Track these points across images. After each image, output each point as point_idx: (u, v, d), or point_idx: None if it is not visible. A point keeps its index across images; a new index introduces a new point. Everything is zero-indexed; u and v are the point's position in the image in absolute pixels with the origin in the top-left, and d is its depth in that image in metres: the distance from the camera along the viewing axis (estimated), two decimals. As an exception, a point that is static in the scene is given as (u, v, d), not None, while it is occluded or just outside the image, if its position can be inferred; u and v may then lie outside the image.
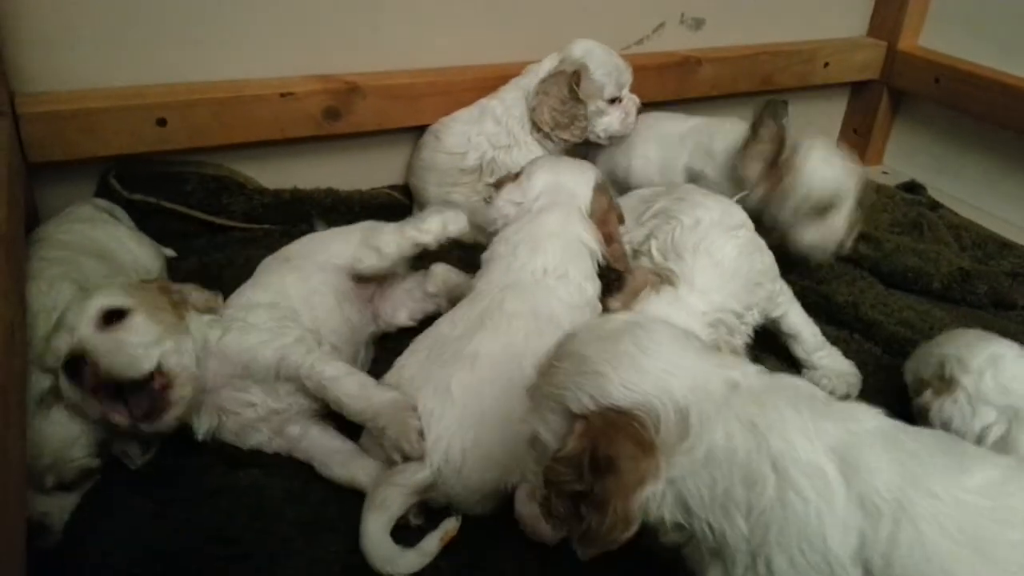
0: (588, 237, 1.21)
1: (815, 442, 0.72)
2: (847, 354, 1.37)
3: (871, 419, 0.76)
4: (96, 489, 1.05)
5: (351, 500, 1.02)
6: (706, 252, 1.20)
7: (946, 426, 1.10)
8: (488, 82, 1.70)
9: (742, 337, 1.25)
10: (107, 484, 1.06)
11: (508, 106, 1.63)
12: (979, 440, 1.07)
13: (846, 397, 1.28)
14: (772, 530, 0.70)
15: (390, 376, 1.09)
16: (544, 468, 0.77)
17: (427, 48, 1.72)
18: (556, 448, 0.76)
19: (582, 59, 1.60)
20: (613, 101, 1.64)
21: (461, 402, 0.98)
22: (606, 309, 1.18)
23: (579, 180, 1.25)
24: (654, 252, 1.24)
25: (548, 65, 1.64)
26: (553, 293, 1.14)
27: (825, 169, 1.46)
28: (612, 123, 1.65)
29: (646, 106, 1.94)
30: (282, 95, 1.55)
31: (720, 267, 1.19)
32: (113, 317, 1.01)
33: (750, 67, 2.05)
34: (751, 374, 0.78)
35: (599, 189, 1.26)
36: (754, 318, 1.26)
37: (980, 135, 2.03)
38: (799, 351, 1.34)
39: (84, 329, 0.99)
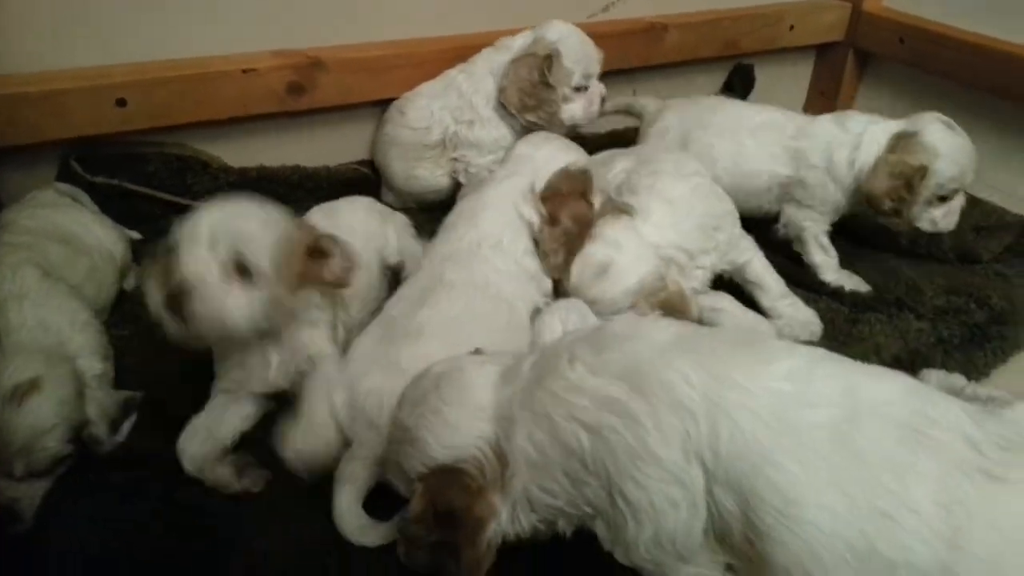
0: (527, 211, 1.19)
1: (597, 379, 0.77)
2: (819, 312, 1.39)
3: (661, 332, 0.81)
4: (66, 473, 1.04)
5: (326, 476, 1.02)
6: (659, 192, 1.27)
7: None
8: (456, 53, 1.67)
9: (696, 281, 1.30)
10: (77, 467, 1.05)
11: (475, 80, 1.60)
12: None
13: (808, 344, 1.31)
14: (610, 469, 0.76)
15: (349, 353, 1.09)
16: (399, 527, 0.88)
17: (392, 19, 1.70)
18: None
19: (556, 44, 1.56)
20: (579, 89, 1.60)
21: (409, 375, 0.96)
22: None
23: (552, 157, 1.25)
24: (612, 192, 1.30)
25: (521, 43, 1.60)
26: (489, 263, 1.15)
27: (960, 155, 1.40)
28: (576, 111, 1.61)
29: (615, 73, 1.95)
30: (244, 71, 1.53)
31: (673, 205, 1.26)
32: None
33: (715, 32, 2.05)
34: (525, 369, 0.83)
35: (569, 172, 1.24)
36: (711, 262, 1.32)
37: (945, 94, 2.04)
38: (763, 299, 1.38)
39: None
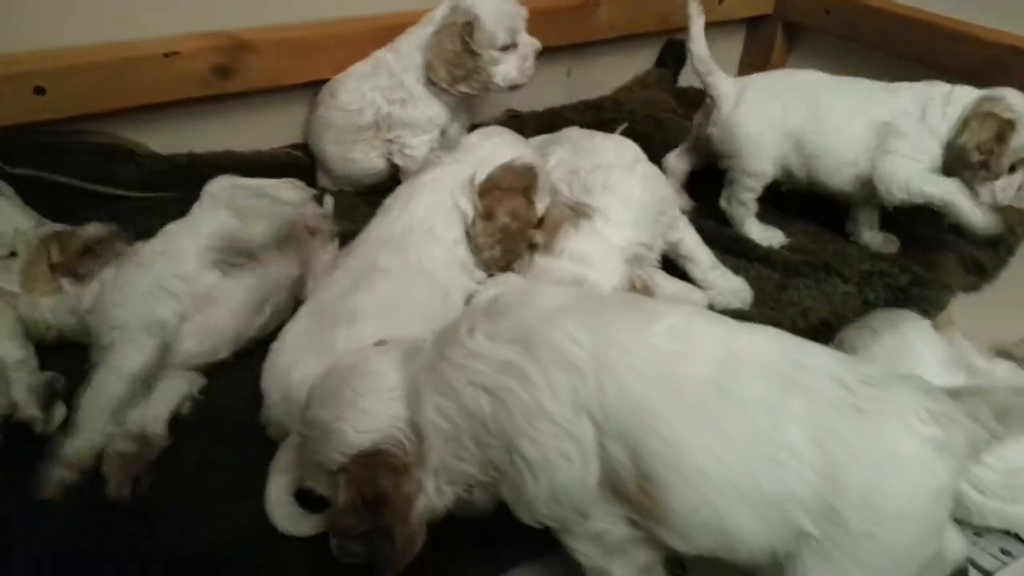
0: (463, 201, 1.18)
1: (494, 344, 0.80)
2: (747, 280, 1.44)
3: (550, 298, 0.85)
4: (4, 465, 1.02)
5: (266, 467, 1.02)
6: (613, 190, 1.26)
7: None
8: (387, 32, 1.65)
9: (651, 265, 1.33)
10: (16, 460, 1.03)
11: (403, 58, 1.58)
12: None
13: (739, 311, 1.38)
14: (508, 429, 0.78)
15: (276, 344, 1.08)
16: (327, 523, 0.89)
17: (321, -1, 1.67)
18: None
19: (472, 7, 1.53)
20: (507, 48, 1.58)
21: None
22: (531, 245, 1.21)
23: (498, 150, 1.22)
24: (564, 192, 1.28)
25: (442, 13, 1.57)
26: (423, 249, 1.14)
27: None
28: (510, 71, 1.59)
29: (549, 50, 1.95)
30: (166, 55, 1.49)
31: (629, 202, 1.26)
32: None
33: (647, 7, 2.07)
34: (428, 344, 0.85)
35: (512, 167, 1.20)
36: (660, 246, 1.34)
37: (871, 63, 2.08)
38: (695, 271, 1.41)
39: None
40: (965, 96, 1.46)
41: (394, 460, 0.81)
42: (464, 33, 1.53)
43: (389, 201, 1.23)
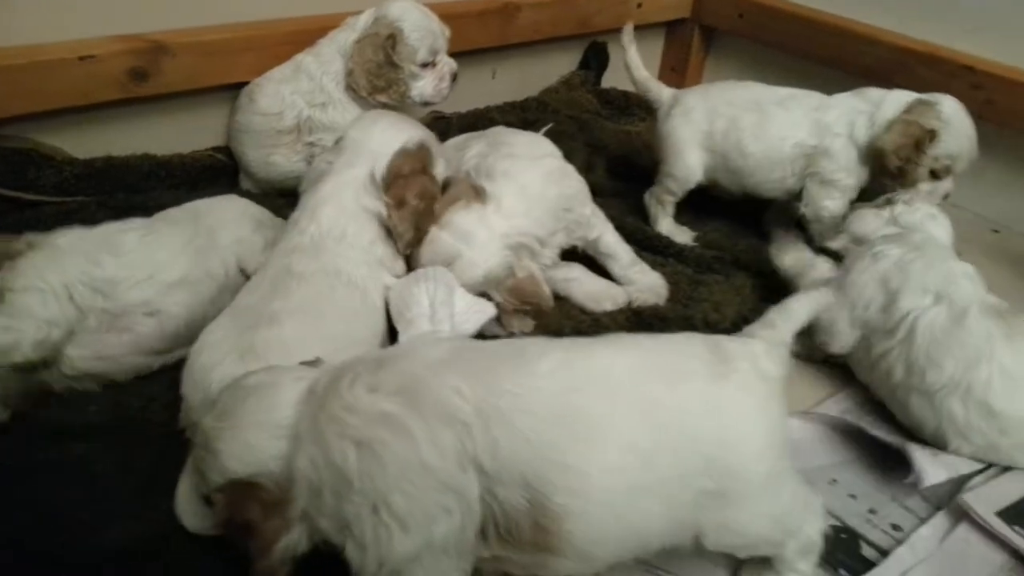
0: (369, 201, 1.20)
1: (373, 396, 0.80)
2: (662, 275, 1.49)
3: (435, 350, 0.87)
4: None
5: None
6: (513, 178, 1.30)
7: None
8: (306, 35, 1.65)
9: (547, 259, 1.37)
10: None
11: (324, 62, 1.58)
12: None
13: (656, 306, 1.43)
14: (377, 483, 0.77)
15: (196, 346, 1.08)
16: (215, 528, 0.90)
17: (239, 1, 1.66)
18: None
19: (397, 21, 1.54)
20: (427, 65, 1.60)
21: (265, 360, 0.98)
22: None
23: (386, 140, 1.24)
24: (471, 174, 1.33)
25: (364, 21, 1.58)
26: (337, 253, 1.16)
27: (965, 137, 1.47)
28: (425, 88, 1.60)
29: (472, 52, 1.99)
30: (81, 58, 1.47)
31: (526, 192, 1.30)
32: None
33: (567, 11, 2.12)
34: (320, 389, 0.83)
35: (407, 152, 1.23)
36: (560, 241, 1.38)
37: (783, 65, 2.18)
38: (615, 268, 1.46)
39: None
40: (902, 98, 1.49)
41: (266, 495, 0.81)
42: (387, 45, 1.53)
43: (295, 215, 1.23)
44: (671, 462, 0.81)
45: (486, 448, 0.78)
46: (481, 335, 1.22)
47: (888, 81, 1.85)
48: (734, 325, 1.38)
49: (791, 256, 1.43)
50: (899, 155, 1.44)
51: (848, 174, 1.52)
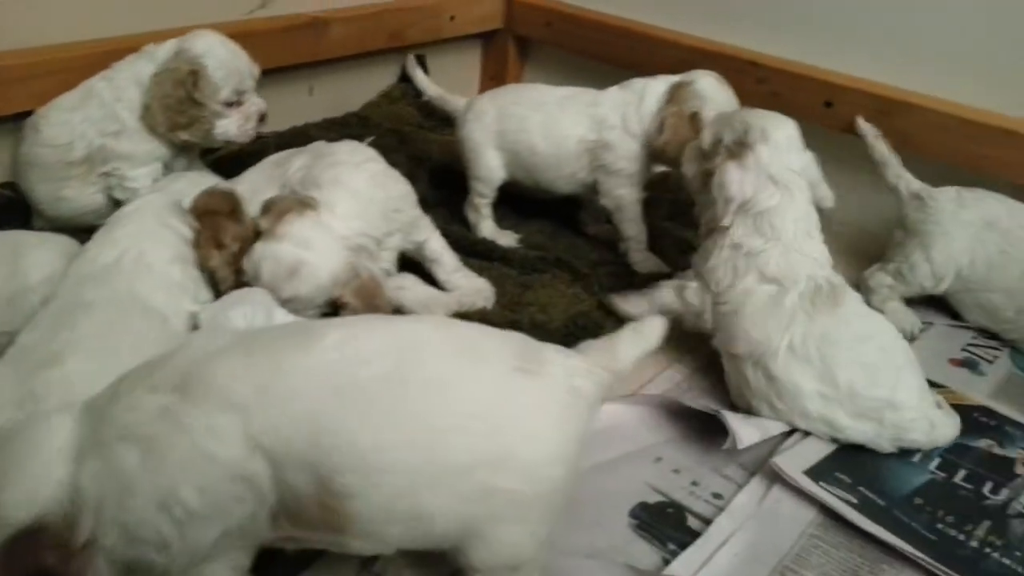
0: (174, 222, 1.17)
1: (152, 395, 0.76)
2: (489, 278, 1.52)
3: (215, 339, 0.83)
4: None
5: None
6: (342, 183, 1.31)
7: (721, 188, 1.27)
8: (101, 59, 1.53)
9: (385, 263, 1.39)
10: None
11: (117, 88, 1.48)
12: (747, 203, 1.25)
13: (483, 308, 1.46)
14: (161, 480, 0.74)
15: None
16: None
17: (25, 23, 1.54)
18: None
19: (201, 58, 1.46)
20: (232, 104, 1.51)
21: (47, 404, 0.91)
22: (257, 233, 1.22)
23: (194, 181, 1.24)
24: (296, 187, 1.33)
25: (166, 52, 1.48)
26: (134, 277, 1.11)
27: (729, 101, 1.55)
28: (229, 127, 1.52)
29: (284, 69, 1.95)
30: None
31: (356, 196, 1.32)
32: None
33: (379, 25, 2.11)
34: (99, 400, 0.79)
35: (218, 192, 1.23)
36: (396, 243, 1.40)
37: (591, 70, 2.26)
38: (440, 273, 1.49)
39: None
40: (657, 90, 1.58)
41: (58, 536, 0.74)
42: (188, 81, 1.45)
43: (89, 243, 1.18)
44: (460, 446, 0.78)
45: (266, 431, 0.75)
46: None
47: (686, 80, 1.97)
48: (563, 325, 1.42)
49: (632, 304, 1.45)
50: (675, 150, 1.50)
51: (630, 162, 1.59)
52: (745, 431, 1.18)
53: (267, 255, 1.20)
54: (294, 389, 0.77)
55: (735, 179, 1.26)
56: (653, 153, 1.57)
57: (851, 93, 1.77)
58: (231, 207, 1.23)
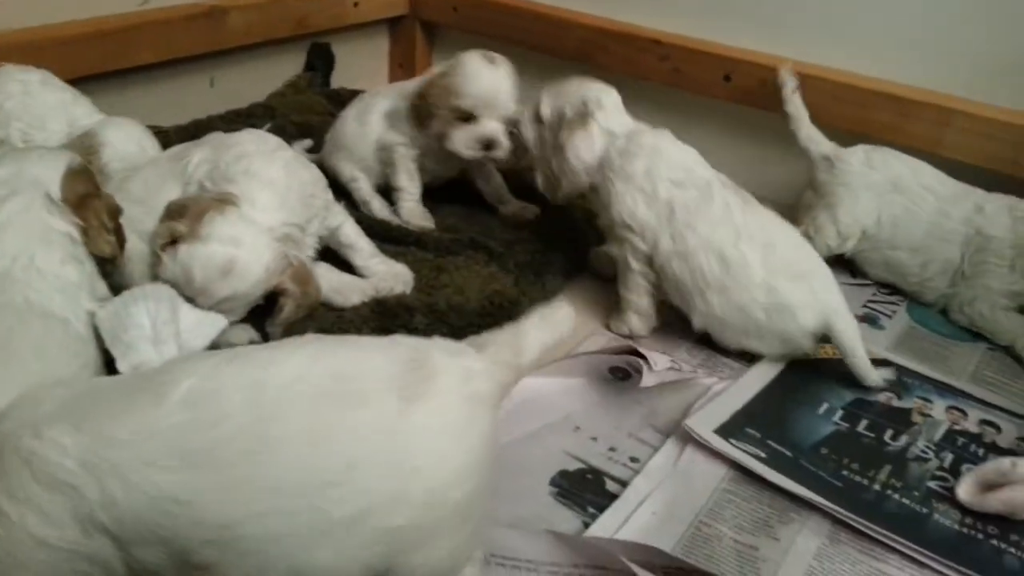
0: (56, 221, 1.12)
1: None
2: (405, 263, 1.51)
3: (33, 408, 0.76)
4: None
5: None
6: (256, 176, 1.28)
7: (578, 157, 1.42)
8: None
9: (309, 250, 1.38)
10: None
11: None
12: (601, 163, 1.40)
13: (403, 293, 1.46)
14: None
15: None
16: None
17: None
18: None
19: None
20: None
21: None
22: (173, 239, 1.18)
23: (45, 165, 1.15)
24: (207, 185, 1.29)
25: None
26: (28, 284, 1.06)
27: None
28: None
29: (187, 60, 1.89)
30: None
31: (273, 186, 1.29)
32: None
33: (282, 12, 2.07)
34: None
35: (76, 172, 1.16)
36: (316, 229, 1.39)
37: (500, 53, 2.28)
38: (356, 259, 1.48)
39: None
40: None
41: None
42: None
43: None
44: (342, 498, 0.71)
45: (103, 508, 0.69)
46: (216, 347, 1.17)
47: (590, 59, 2.01)
48: (480, 305, 1.43)
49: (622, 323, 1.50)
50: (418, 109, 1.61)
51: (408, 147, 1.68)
52: (647, 377, 1.25)
53: (196, 257, 1.17)
54: (134, 461, 0.70)
55: (581, 147, 1.42)
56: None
57: (748, 66, 1.83)
58: (95, 183, 1.19)
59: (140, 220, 1.28)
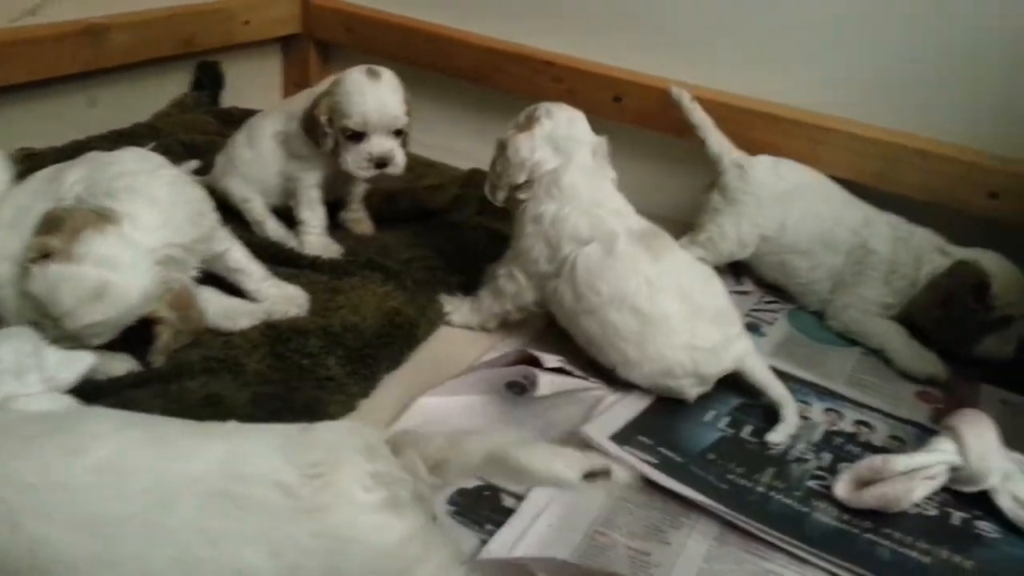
0: None
1: None
2: (301, 285, 1.49)
3: None
4: None
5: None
6: (139, 191, 1.22)
7: (515, 154, 1.42)
8: None
9: (193, 271, 1.32)
10: None
11: None
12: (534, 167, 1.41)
13: (295, 318, 1.42)
14: None
15: None
16: None
17: None
18: None
19: None
20: None
21: None
22: (45, 254, 1.11)
23: None
24: (86, 199, 1.21)
25: None
26: None
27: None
28: None
29: (59, 80, 1.81)
30: None
31: (157, 203, 1.23)
32: None
33: (169, 30, 2.02)
34: None
35: None
36: (203, 250, 1.34)
37: (396, 72, 2.28)
38: (248, 284, 1.43)
39: None
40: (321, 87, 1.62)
41: None
42: None
43: None
44: None
45: (16, 557, 0.67)
46: (89, 383, 1.13)
47: (486, 80, 2.04)
48: (378, 324, 1.41)
49: (463, 314, 1.54)
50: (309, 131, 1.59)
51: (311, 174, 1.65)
52: (544, 380, 1.28)
53: (66, 278, 1.11)
54: (30, 509, 0.68)
55: (521, 145, 1.41)
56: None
57: (637, 88, 1.90)
58: None
59: (11, 245, 1.21)
